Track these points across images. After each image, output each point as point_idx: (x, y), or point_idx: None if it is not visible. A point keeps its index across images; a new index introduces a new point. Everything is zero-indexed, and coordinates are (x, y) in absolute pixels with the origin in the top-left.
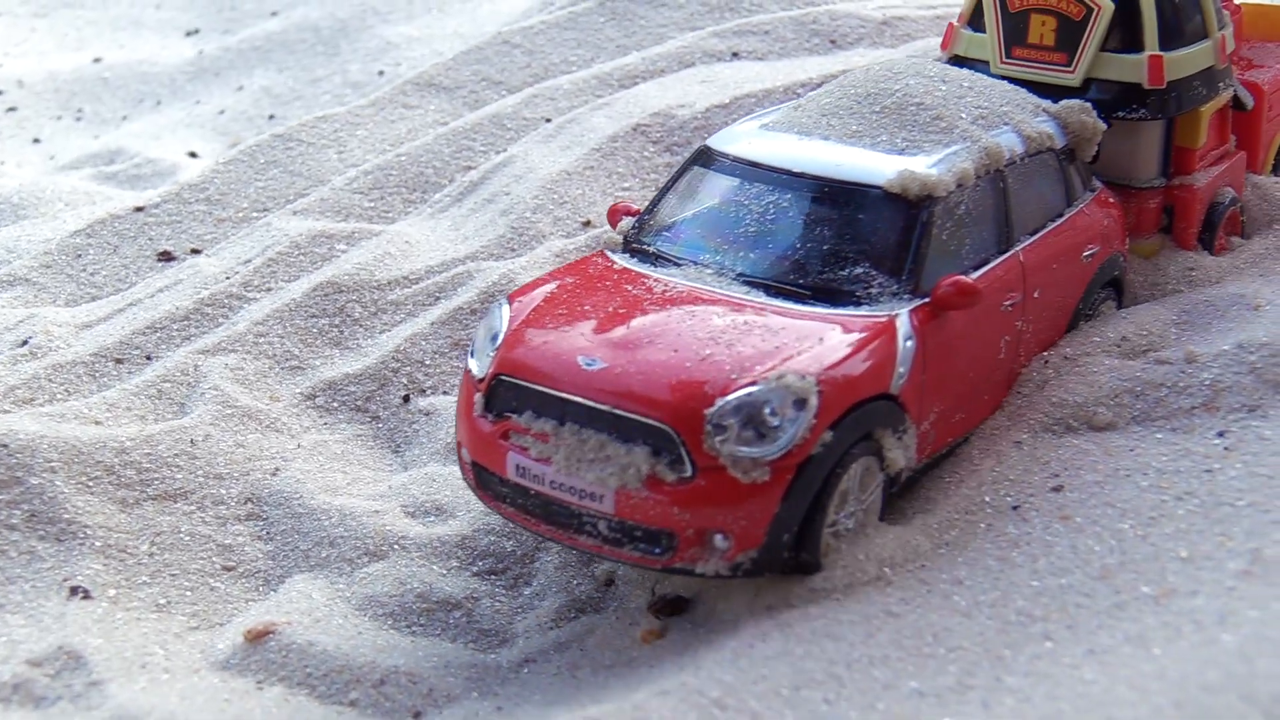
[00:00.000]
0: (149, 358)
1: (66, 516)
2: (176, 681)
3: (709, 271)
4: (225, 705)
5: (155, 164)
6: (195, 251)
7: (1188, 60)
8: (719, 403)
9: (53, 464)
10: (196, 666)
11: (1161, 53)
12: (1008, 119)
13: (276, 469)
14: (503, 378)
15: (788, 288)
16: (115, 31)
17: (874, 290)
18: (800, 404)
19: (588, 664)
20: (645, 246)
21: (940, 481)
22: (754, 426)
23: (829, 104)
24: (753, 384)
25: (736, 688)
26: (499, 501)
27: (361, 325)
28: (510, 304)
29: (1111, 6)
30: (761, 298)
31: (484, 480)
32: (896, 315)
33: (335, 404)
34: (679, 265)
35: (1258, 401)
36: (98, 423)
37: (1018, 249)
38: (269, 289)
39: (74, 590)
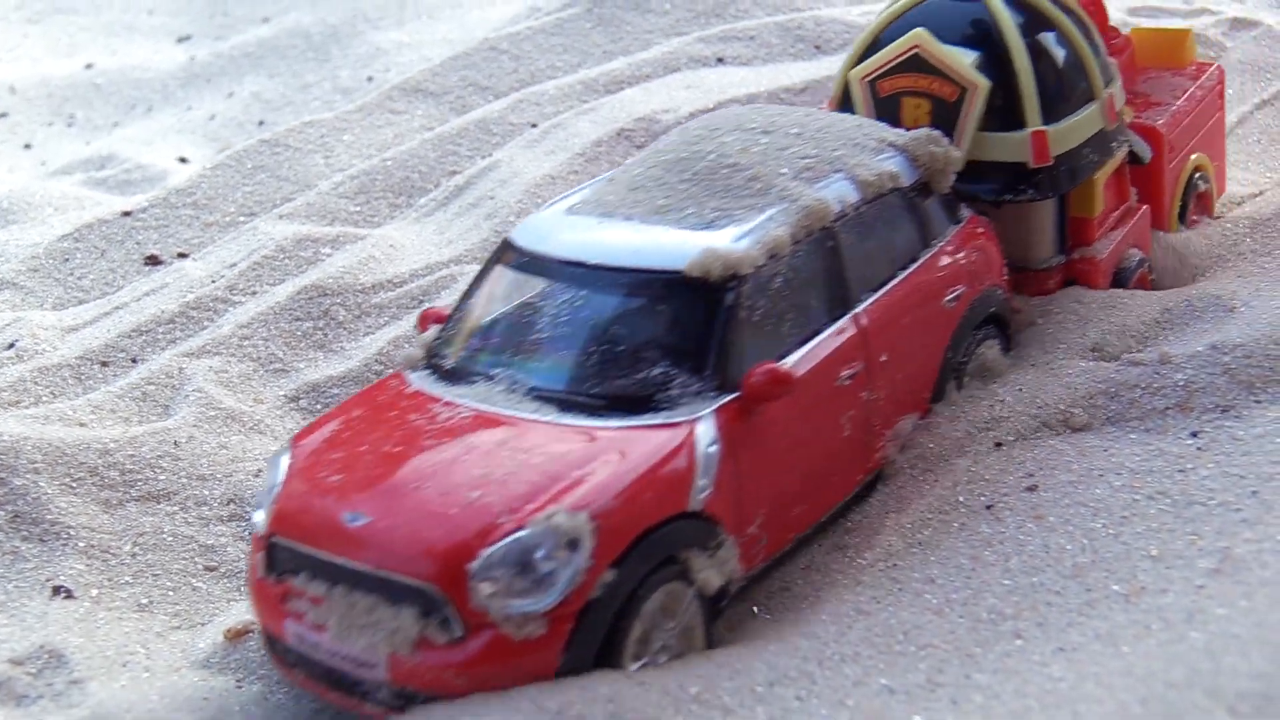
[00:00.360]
0: (134, 360)
1: (50, 517)
2: (156, 680)
3: (500, 388)
4: (204, 703)
5: (146, 169)
6: (182, 255)
7: (1075, 130)
8: (483, 554)
9: (37, 465)
10: (177, 665)
11: (1045, 127)
12: (841, 165)
13: (259, 470)
14: (275, 538)
15: (581, 400)
16: (107, 37)
17: (674, 392)
18: (574, 544)
19: None
20: (442, 361)
21: (914, 481)
22: (526, 575)
23: (640, 175)
24: (519, 528)
25: (713, 683)
26: (289, 669)
27: (345, 328)
28: (291, 449)
29: (986, 84)
30: (552, 414)
31: (273, 646)
32: (697, 420)
33: (318, 406)
34: (473, 383)
35: (1231, 402)
36: (82, 425)
37: (857, 312)
38: (254, 292)
39: (56, 590)
